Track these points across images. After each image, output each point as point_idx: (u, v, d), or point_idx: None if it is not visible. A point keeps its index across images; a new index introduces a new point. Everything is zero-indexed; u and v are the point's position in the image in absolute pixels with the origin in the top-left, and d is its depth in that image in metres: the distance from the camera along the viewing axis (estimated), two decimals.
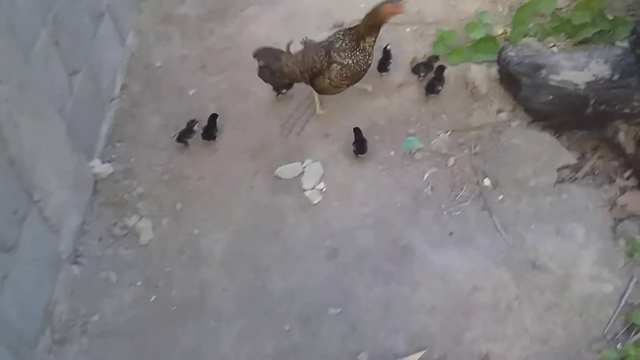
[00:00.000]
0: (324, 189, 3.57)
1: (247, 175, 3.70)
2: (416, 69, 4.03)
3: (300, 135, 3.96)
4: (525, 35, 4.08)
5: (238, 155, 3.83)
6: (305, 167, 3.69)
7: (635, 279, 2.87)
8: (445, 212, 3.32)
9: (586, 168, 3.41)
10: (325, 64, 3.56)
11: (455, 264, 3.03)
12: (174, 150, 3.87)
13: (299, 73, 3.67)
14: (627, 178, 3.33)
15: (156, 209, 3.52)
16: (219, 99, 4.26)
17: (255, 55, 3.85)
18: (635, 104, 2.95)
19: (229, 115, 4.13)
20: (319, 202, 3.49)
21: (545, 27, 4.10)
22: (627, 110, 3.00)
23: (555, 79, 3.25)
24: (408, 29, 4.52)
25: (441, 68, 3.87)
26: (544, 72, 3.28)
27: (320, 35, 4.38)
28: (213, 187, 3.66)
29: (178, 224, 3.44)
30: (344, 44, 3.50)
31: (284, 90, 4.06)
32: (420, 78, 3.99)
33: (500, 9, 4.46)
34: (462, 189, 3.43)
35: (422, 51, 4.26)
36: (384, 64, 4.08)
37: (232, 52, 4.60)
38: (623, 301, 2.80)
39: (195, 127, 3.87)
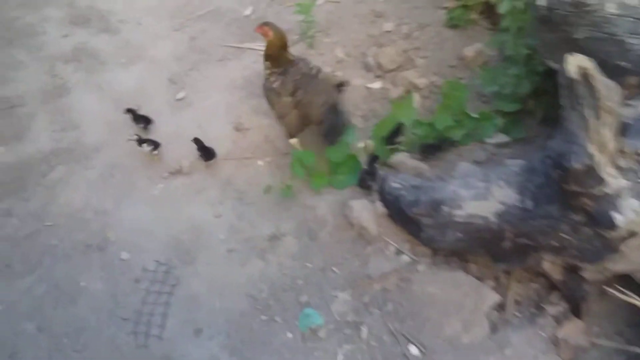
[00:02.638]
0: None
1: None
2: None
3: (162, 337, 3.01)
4: (392, 148, 3.61)
5: None
6: None
7: None
8: None
9: (510, 301, 2.94)
10: None
11: None
12: None
13: None
14: (555, 303, 2.91)
15: None
16: (39, 312, 3.15)
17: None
18: (562, 235, 2.52)
19: (56, 333, 3.04)
20: None
21: (412, 137, 3.66)
22: (554, 243, 2.57)
23: (460, 214, 2.76)
24: (261, 162, 3.82)
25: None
26: (445, 208, 2.78)
27: (155, 188, 3.57)
28: None
29: None
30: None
31: None
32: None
33: (355, 122, 3.97)
34: None
35: (278, 186, 3.57)
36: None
37: (43, 236, 3.52)
38: None
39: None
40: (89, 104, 4.33)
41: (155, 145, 3.81)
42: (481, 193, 2.77)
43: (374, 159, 3.47)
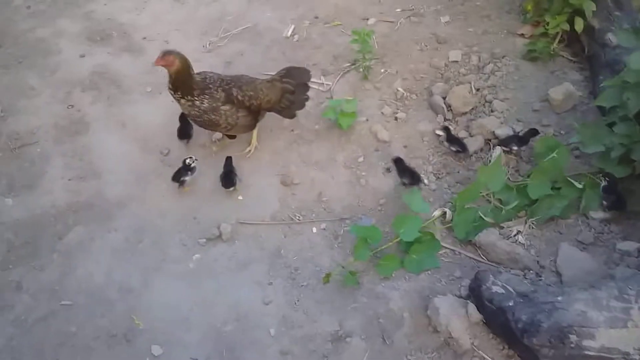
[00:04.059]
0: None
1: None
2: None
3: None
4: (475, 224, 3.00)
5: None
6: None
7: None
8: None
9: None
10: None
11: None
12: None
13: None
14: None
15: None
16: None
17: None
18: None
19: None
20: None
21: (499, 209, 3.05)
22: None
23: (592, 346, 2.18)
24: (314, 229, 3.22)
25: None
26: (573, 338, 2.16)
27: (190, 259, 2.99)
28: None
29: None
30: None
31: None
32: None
33: (426, 180, 3.36)
34: None
35: (340, 262, 2.99)
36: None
37: (59, 319, 2.96)
38: None
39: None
40: (110, 144, 3.74)
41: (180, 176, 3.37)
42: (618, 318, 2.17)
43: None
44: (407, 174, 3.22)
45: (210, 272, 3.09)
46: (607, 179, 2.99)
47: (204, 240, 3.22)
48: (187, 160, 3.36)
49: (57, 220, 3.35)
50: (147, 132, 3.79)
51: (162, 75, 4.12)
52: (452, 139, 3.42)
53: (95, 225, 3.31)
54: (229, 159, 3.38)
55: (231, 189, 3.35)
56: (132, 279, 3.09)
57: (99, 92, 4.08)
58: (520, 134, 3.34)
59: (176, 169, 3.41)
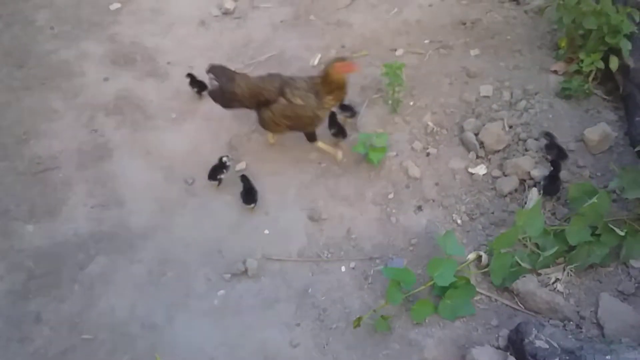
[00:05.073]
0: None
1: None
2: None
3: None
4: (512, 270, 2.90)
5: None
6: None
7: None
8: None
9: None
10: (275, 96, 3.33)
11: None
12: None
13: (248, 97, 3.38)
14: None
15: None
16: None
17: (208, 72, 3.46)
18: None
19: None
20: None
21: (536, 254, 2.95)
22: None
23: None
24: (343, 268, 3.12)
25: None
26: None
27: (215, 295, 2.90)
28: None
29: None
30: (303, 85, 3.32)
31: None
32: None
33: (459, 220, 3.26)
34: None
35: (371, 304, 2.90)
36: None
37: (80, 355, 2.91)
38: None
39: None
40: (134, 172, 3.66)
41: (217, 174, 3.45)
42: None
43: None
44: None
45: (235, 310, 2.99)
46: None
47: (229, 275, 3.13)
48: (224, 159, 3.44)
49: (79, 249, 3.27)
50: (171, 160, 3.71)
51: (187, 100, 4.11)
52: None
53: (118, 256, 3.23)
54: (244, 177, 3.38)
55: (252, 205, 3.30)
56: (155, 314, 2.99)
57: (123, 117, 4.01)
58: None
59: (202, 198, 3.36)
